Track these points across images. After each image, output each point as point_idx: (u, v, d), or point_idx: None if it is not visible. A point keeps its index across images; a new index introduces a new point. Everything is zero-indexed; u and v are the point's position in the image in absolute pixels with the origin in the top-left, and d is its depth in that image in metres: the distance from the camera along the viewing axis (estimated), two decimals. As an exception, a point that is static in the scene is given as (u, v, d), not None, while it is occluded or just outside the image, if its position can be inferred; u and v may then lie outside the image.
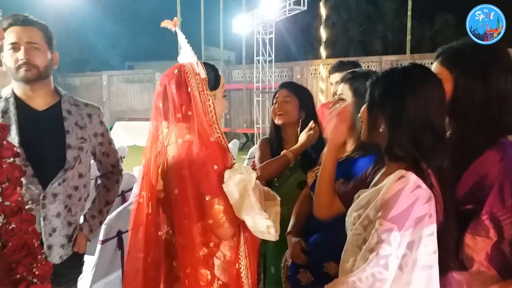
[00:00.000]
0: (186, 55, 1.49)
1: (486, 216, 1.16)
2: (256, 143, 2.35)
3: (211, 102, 1.45)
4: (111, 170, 2.03)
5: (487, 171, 1.18)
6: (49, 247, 1.73)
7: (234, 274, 1.41)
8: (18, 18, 1.68)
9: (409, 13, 11.92)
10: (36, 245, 1.51)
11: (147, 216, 1.46)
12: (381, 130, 1.17)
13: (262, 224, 1.34)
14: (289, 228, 1.87)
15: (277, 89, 2.19)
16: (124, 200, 3.31)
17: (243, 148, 11.91)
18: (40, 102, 1.77)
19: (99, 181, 2.05)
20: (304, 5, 10.30)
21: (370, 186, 1.25)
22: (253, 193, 1.36)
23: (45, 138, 1.74)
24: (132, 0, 27.14)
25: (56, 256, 1.75)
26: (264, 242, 2.25)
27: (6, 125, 1.57)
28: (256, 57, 11.67)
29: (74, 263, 1.89)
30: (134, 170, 5.19)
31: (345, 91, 1.64)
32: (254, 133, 12.16)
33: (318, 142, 1.98)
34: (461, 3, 8.45)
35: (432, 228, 1.09)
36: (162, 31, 1.52)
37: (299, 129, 2.10)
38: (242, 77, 14.29)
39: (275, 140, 2.16)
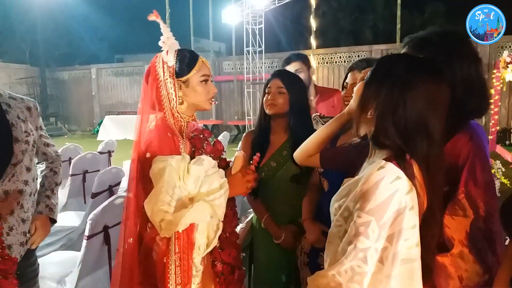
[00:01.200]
0: (165, 44, 1.51)
1: (463, 196, 1.20)
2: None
3: (173, 90, 1.49)
4: (55, 157, 2.03)
5: (458, 152, 1.23)
6: (9, 247, 1.67)
7: (161, 265, 1.41)
8: None
9: (398, 1, 11.90)
10: None
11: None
12: (368, 116, 1.12)
13: (157, 216, 1.33)
14: (303, 216, 1.89)
15: (269, 78, 2.12)
16: (111, 194, 3.27)
17: (235, 140, 11.86)
18: None
19: (44, 168, 2.02)
20: (293, -5, 10.22)
21: (356, 173, 1.21)
22: (175, 184, 1.35)
23: None
24: (120, -8, 26.81)
25: (17, 255, 1.70)
26: (250, 233, 2.23)
27: None
28: (246, 48, 11.57)
29: (28, 262, 1.82)
30: (124, 164, 5.13)
31: (360, 79, 1.64)
32: (245, 125, 12.11)
33: (310, 133, 1.95)
34: (450, -9, 8.46)
35: (414, 220, 1.04)
36: (151, 23, 1.53)
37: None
38: (232, 69, 14.19)
39: (263, 130, 2.12)
